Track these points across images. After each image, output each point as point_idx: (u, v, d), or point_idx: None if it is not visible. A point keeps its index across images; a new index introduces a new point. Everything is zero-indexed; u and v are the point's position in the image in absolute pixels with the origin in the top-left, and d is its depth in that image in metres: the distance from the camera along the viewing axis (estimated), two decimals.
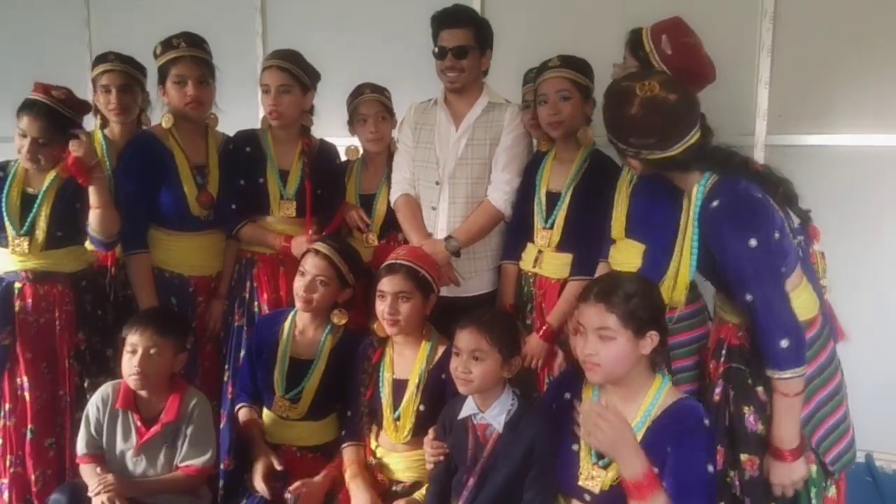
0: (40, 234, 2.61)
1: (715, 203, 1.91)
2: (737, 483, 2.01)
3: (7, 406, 2.63)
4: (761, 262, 1.87)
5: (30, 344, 2.63)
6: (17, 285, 2.62)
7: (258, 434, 2.53)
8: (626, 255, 2.31)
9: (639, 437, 1.88)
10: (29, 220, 2.60)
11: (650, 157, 1.93)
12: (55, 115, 2.57)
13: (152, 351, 2.32)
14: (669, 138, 1.90)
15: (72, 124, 2.61)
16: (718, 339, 2.11)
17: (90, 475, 2.33)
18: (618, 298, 1.88)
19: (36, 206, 2.61)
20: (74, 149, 2.53)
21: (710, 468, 1.86)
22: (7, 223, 2.58)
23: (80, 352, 2.70)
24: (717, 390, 2.05)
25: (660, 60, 2.16)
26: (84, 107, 2.72)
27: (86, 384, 2.67)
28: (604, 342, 1.88)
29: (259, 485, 2.35)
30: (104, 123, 2.96)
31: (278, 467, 2.41)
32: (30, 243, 2.60)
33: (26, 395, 2.62)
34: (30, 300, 2.62)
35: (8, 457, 2.63)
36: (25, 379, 2.62)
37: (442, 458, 2.19)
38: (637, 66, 2.20)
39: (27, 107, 2.57)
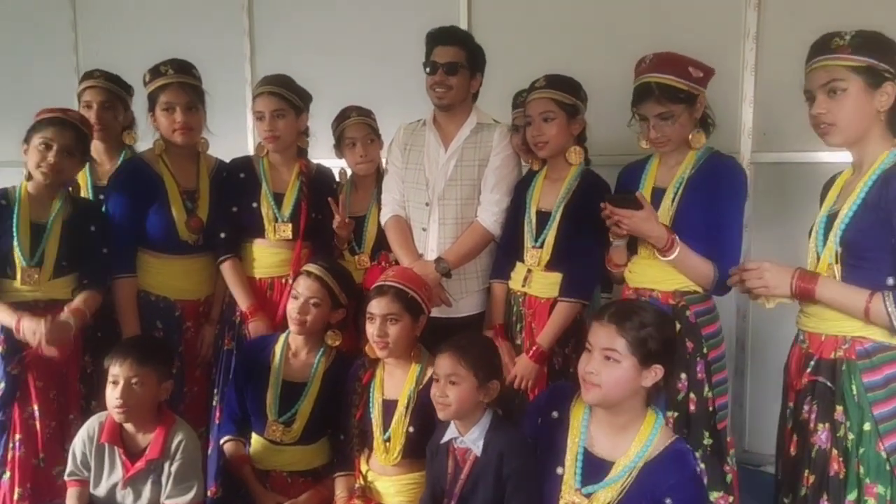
0: (49, 264, 2.60)
1: None
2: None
3: (18, 437, 2.58)
4: None
5: (40, 372, 2.60)
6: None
7: (251, 474, 2.51)
8: (659, 271, 2.36)
9: (631, 476, 1.87)
10: (39, 250, 2.59)
11: None
12: (78, 129, 2.63)
13: (134, 381, 2.28)
14: None
15: (87, 145, 2.69)
16: (806, 353, 2.05)
17: (71, 502, 2.33)
18: (631, 324, 1.86)
19: (45, 237, 2.61)
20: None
21: None
22: (18, 254, 2.56)
23: (87, 375, 2.69)
24: (806, 408, 2.03)
25: (697, 85, 2.33)
26: (91, 130, 2.77)
27: (92, 406, 2.64)
28: (607, 364, 1.87)
29: None
30: None
31: None
32: (39, 274, 2.58)
33: (37, 424, 2.60)
34: None
35: (16, 490, 2.57)
36: (36, 407, 2.59)
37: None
38: (683, 107, 2.32)
39: (51, 121, 2.59)
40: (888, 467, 1.90)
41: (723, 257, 2.28)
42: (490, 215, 2.72)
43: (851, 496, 1.92)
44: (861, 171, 1.99)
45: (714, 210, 2.32)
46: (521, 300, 2.65)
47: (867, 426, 1.92)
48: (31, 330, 2.47)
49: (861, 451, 1.92)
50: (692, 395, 2.32)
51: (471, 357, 2.10)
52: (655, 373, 1.87)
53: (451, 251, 2.71)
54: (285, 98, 2.80)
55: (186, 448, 2.36)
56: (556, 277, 2.58)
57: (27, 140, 2.61)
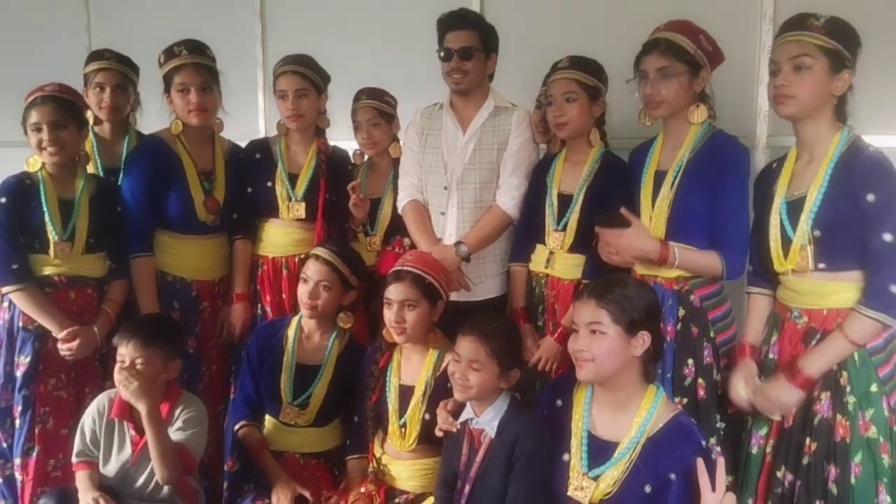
0: (80, 239, 2.63)
1: (872, 149, 2.05)
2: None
3: (44, 409, 2.60)
4: None
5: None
6: (47, 290, 2.60)
7: (271, 460, 2.51)
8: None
9: (636, 451, 1.89)
10: (70, 225, 2.62)
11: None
12: (59, 99, 2.60)
13: (139, 362, 2.30)
14: None
15: (77, 109, 2.65)
16: (807, 329, 2.09)
17: (83, 484, 2.34)
18: (611, 295, 1.91)
19: (75, 212, 2.63)
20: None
21: None
22: (51, 228, 2.58)
23: (103, 354, 2.70)
24: (821, 403, 2.07)
25: (703, 55, 2.33)
26: (77, 94, 2.74)
27: (106, 385, 2.63)
28: (594, 338, 1.90)
29: None
30: (96, 121, 2.97)
31: (307, 495, 2.40)
32: (72, 248, 2.61)
33: (63, 393, 2.62)
34: (61, 305, 2.61)
35: (49, 461, 2.60)
36: (63, 377, 2.62)
37: (454, 430, 2.17)
38: (685, 68, 2.31)
39: (31, 105, 2.58)
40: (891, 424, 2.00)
41: (729, 245, 2.28)
42: (510, 199, 2.70)
43: (857, 458, 1.99)
44: (813, 156, 2.10)
45: (717, 196, 2.28)
46: (543, 282, 2.64)
47: (874, 388, 2.01)
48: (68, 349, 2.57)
49: (871, 412, 2.00)
50: (700, 381, 2.30)
51: (495, 344, 2.09)
52: (643, 340, 1.91)
53: (471, 235, 2.69)
54: (308, 77, 2.84)
55: (188, 411, 2.37)
56: (579, 259, 2.56)
57: (25, 131, 2.62)
